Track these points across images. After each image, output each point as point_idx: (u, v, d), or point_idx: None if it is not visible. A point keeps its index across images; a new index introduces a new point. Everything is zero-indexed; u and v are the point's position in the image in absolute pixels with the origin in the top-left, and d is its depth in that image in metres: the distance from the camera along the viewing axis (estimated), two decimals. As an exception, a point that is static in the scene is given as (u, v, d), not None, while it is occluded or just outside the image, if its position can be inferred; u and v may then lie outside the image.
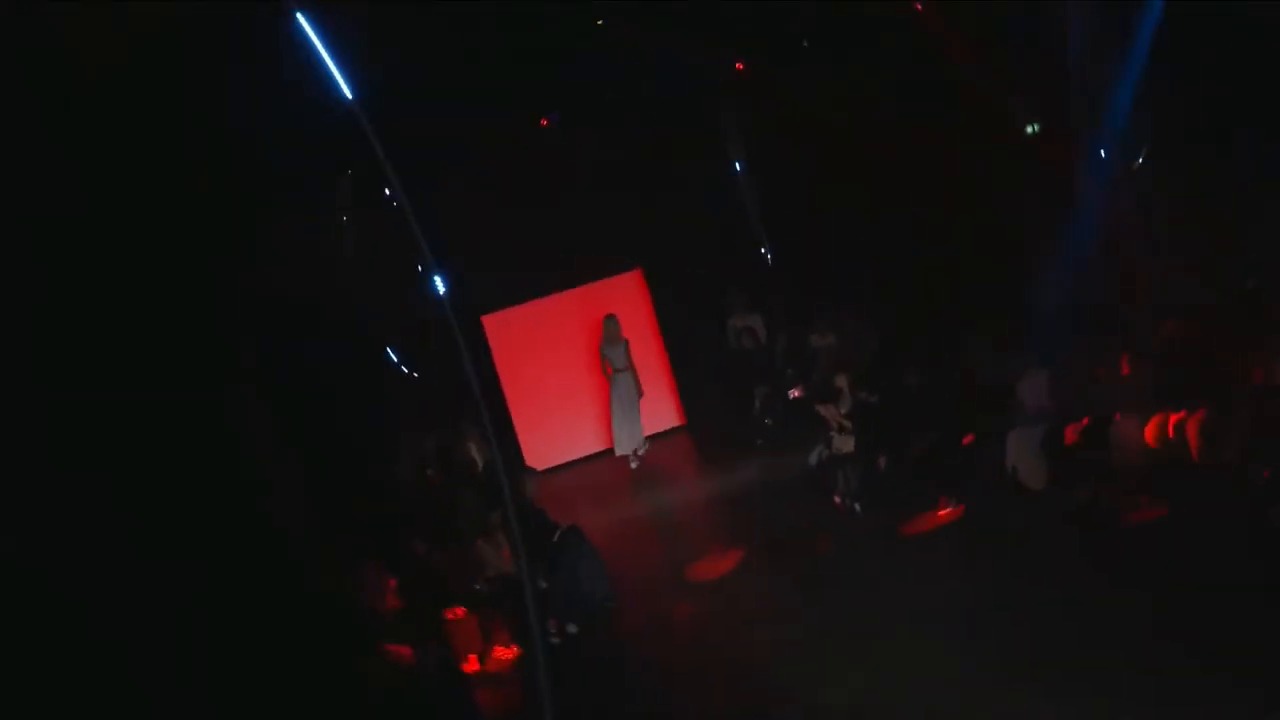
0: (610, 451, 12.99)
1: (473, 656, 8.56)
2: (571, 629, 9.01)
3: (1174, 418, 7.94)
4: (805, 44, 11.07)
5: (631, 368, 12.60)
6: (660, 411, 13.37)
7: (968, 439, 9.34)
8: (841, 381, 10.15)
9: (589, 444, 13.35)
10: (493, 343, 13.05)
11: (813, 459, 10.15)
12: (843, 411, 10.07)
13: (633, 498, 11.73)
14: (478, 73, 10.23)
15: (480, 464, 10.82)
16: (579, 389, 13.24)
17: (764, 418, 11.33)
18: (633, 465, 12.71)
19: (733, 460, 11.64)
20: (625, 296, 13.25)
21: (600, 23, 10.18)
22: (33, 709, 3.81)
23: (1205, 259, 9.38)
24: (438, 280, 3.60)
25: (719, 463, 12.03)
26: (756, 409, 11.44)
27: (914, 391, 9.59)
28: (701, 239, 12.49)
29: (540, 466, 12.44)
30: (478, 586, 9.17)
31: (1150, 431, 8.09)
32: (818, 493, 9.96)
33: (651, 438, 13.08)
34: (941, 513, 9.08)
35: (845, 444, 9.87)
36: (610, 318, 12.60)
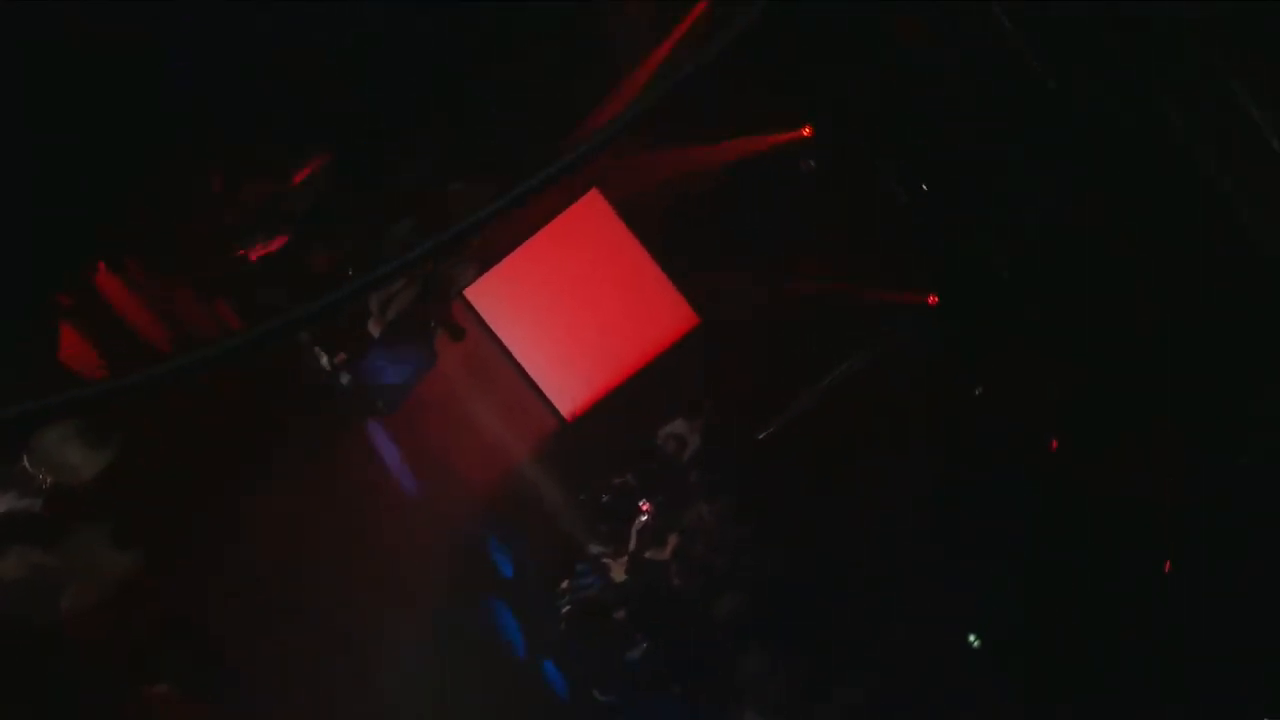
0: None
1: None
2: (345, 378, 8.81)
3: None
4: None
5: None
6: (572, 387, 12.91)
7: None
8: (672, 540, 10.03)
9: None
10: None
11: (590, 549, 9.99)
12: (644, 554, 9.96)
13: (465, 405, 11.41)
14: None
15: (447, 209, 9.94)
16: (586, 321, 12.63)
17: (605, 494, 11.13)
18: None
19: (547, 484, 11.42)
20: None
21: None
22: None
23: None
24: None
25: (538, 466, 11.82)
26: (614, 483, 11.23)
27: (706, 618, 9.47)
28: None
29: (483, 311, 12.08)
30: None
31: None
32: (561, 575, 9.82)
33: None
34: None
35: (618, 572, 9.72)
36: None
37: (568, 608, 9.44)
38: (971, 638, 11.42)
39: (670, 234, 12.07)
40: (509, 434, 11.53)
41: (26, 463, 3.97)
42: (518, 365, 12.82)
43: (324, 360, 8.71)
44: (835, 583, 10.23)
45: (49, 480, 3.96)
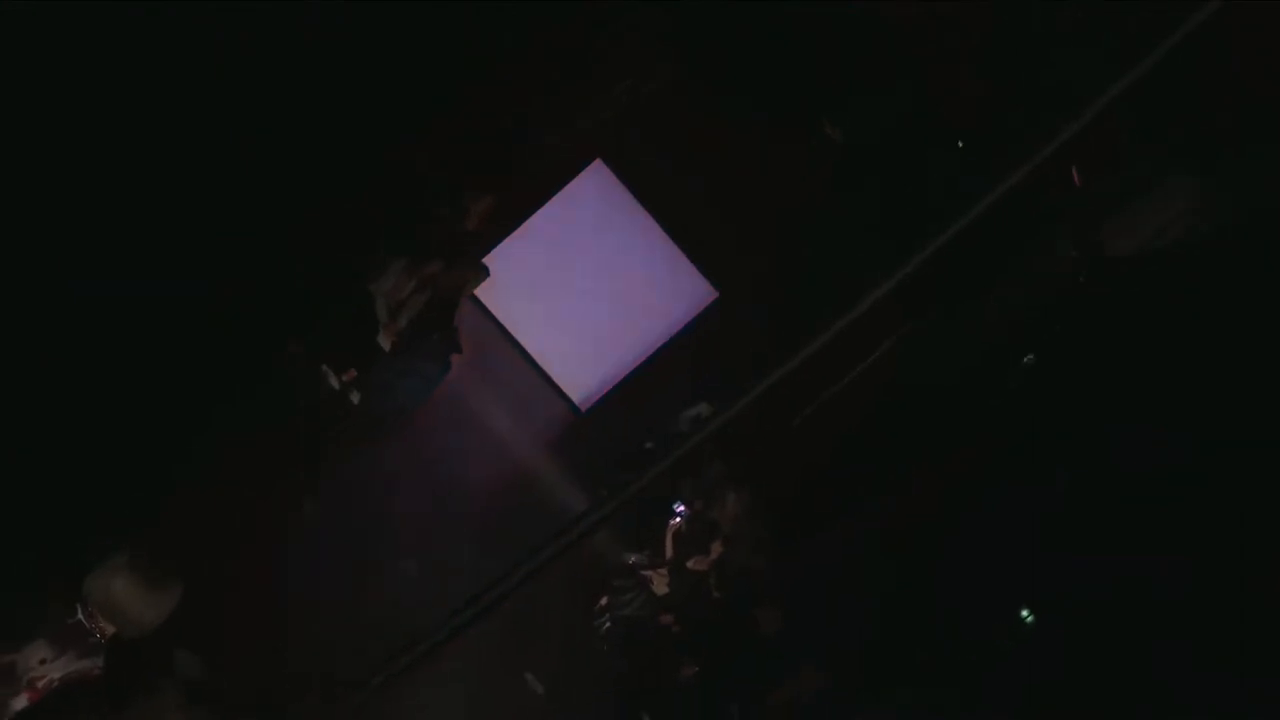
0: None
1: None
2: (355, 397, 7.93)
3: None
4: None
5: None
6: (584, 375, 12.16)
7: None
8: (717, 548, 9.28)
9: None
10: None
11: (628, 558, 9.23)
12: (685, 562, 9.23)
13: (470, 402, 10.62)
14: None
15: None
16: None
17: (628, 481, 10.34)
18: None
19: (564, 482, 10.65)
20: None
21: None
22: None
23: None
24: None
25: (554, 463, 11.01)
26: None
27: (754, 633, 8.81)
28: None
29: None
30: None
31: None
32: (594, 586, 9.05)
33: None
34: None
35: (659, 585, 8.99)
36: None
37: (608, 626, 8.72)
38: (1025, 613, 11.06)
39: (682, 203, 11.21)
40: (520, 430, 10.75)
41: (81, 614, 3.33)
42: (525, 354, 11.96)
43: (332, 380, 7.83)
44: (871, 583, 9.69)
45: (106, 631, 3.30)
